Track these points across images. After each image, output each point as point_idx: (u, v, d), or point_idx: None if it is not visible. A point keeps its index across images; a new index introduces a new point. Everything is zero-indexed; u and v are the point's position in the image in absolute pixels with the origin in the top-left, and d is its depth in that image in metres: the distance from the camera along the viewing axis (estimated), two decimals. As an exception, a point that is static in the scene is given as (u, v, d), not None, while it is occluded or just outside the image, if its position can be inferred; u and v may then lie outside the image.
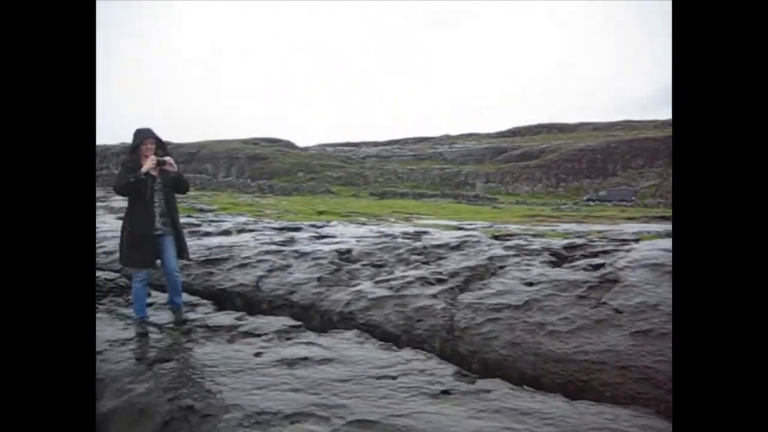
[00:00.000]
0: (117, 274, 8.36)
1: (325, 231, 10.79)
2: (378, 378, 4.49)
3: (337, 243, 8.86)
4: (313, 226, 11.91)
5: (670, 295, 4.69)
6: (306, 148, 67.62)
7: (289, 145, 66.00)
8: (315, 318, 6.26)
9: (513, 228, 11.02)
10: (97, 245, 10.31)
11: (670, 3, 2.78)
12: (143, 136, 5.79)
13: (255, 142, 64.42)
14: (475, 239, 8.23)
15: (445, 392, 4.21)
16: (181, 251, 5.99)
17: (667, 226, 10.06)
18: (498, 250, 7.29)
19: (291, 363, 4.83)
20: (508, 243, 7.84)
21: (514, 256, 6.96)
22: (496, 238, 8.59)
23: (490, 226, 11.70)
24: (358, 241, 8.95)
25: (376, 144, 75.29)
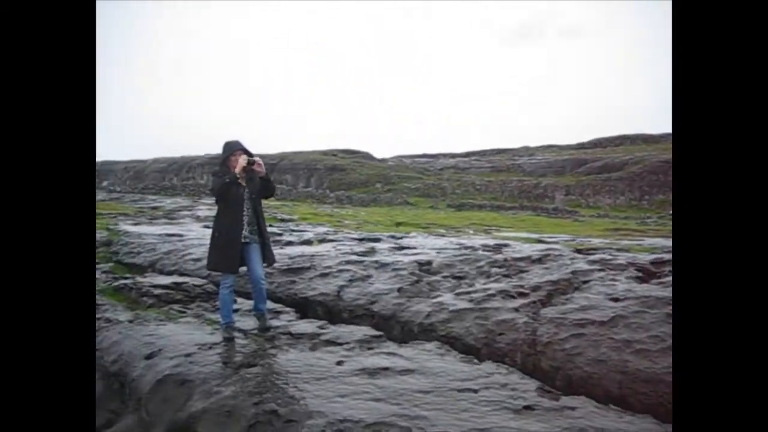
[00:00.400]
0: (204, 281, 8.66)
1: (405, 242, 10.84)
2: (459, 391, 4.46)
3: (416, 254, 8.88)
4: (393, 237, 11.99)
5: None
6: (383, 160, 68.10)
7: (367, 156, 66.63)
8: (395, 328, 6.29)
9: (596, 242, 10.75)
10: (184, 252, 10.73)
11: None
12: (233, 148, 6.00)
13: (333, 153, 65.40)
14: (557, 253, 8.08)
15: (528, 408, 4.14)
16: (266, 258, 6.14)
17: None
18: (581, 264, 7.13)
19: (372, 372, 4.87)
20: (591, 257, 7.65)
21: (599, 270, 6.79)
22: (578, 251, 8.40)
23: (572, 240, 11.45)
24: (438, 252, 8.94)
25: (453, 155, 74.94)
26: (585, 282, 6.39)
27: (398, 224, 18.85)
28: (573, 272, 6.75)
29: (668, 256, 7.24)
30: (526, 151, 72.71)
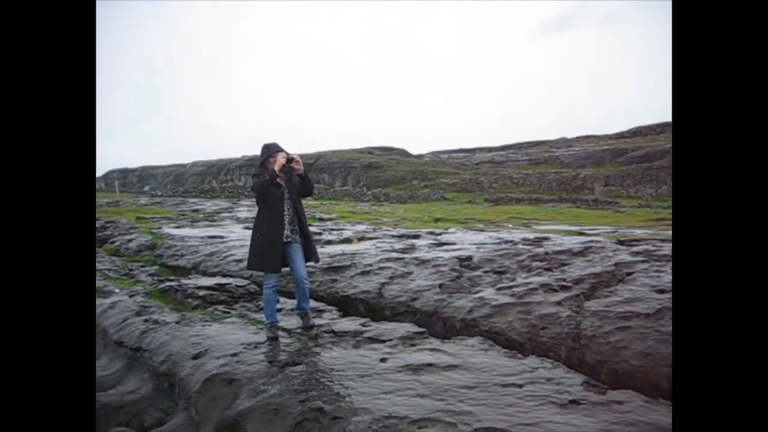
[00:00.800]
0: (247, 281, 8.78)
1: (444, 238, 10.83)
2: (504, 386, 4.44)
3: (456, 250, 8.86)
4: (432, 233, 11.98)
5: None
6: (420, 156, 68.06)
7: (404, 153, 66.68)
8: (438, 324, 6.29)
9: (639, 233, 10.58)
10: (227, 254, 10.90)
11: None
12: (271, 149, 6.07)
13: (369, 150, 65.63)
14: (599, 245, 7.98)
15: (574, 402, 4.10)
16: (309, 256, 6.19)
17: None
18: (624, 256, 7.03)
19: (416, 369, 4.88)
20: (634, 248, 7.54)
21: (642, 262, 6.68)
22: (621, 243, 8.28)
23: (613, 231, 11.29)
24: (477, 247, 8.91)
25: (490, 149, 74.51)
26: (629, 274, 6.30)
27: (437, 220, 18.82)
28: (616, 264, 6.66)
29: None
30: (564, 142, 71.87)
